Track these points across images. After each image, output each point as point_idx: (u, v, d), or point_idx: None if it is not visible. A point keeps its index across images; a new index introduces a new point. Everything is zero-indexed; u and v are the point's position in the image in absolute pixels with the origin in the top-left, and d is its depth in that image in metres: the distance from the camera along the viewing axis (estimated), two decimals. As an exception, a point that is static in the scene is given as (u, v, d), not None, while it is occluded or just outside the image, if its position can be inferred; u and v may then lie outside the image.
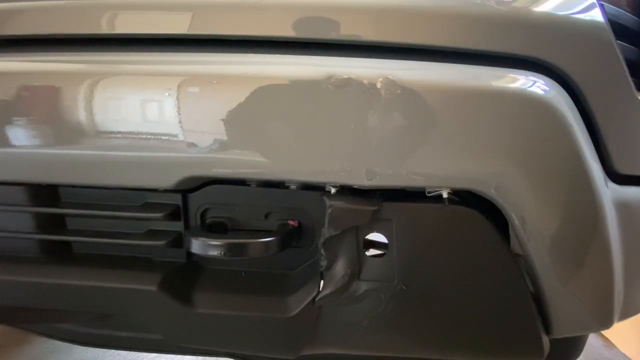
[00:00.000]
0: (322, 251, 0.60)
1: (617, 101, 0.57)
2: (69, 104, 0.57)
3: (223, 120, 0.54)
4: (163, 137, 0.56)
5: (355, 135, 0.53)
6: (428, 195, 0.59)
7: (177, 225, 0.66)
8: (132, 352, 1.45)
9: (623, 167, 0.59)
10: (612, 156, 0.58)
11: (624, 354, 1.63)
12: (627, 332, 1.62)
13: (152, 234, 0.66)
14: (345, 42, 0.56)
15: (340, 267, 0.61)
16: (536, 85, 0.53)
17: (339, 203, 0.58)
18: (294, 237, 0.65)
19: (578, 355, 0.81)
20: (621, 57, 0.56)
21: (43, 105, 0.58)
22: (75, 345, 0.82)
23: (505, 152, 0.53)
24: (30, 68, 0.58)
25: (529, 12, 0.54)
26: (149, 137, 0.56)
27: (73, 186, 0.65)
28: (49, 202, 0.66)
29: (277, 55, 0.56)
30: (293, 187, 0.63)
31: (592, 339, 1.71)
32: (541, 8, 0.54)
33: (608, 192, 0.57)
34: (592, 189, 0.54)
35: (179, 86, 0.55)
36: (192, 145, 0.55)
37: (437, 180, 0.55)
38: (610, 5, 0.59)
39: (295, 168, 0.55)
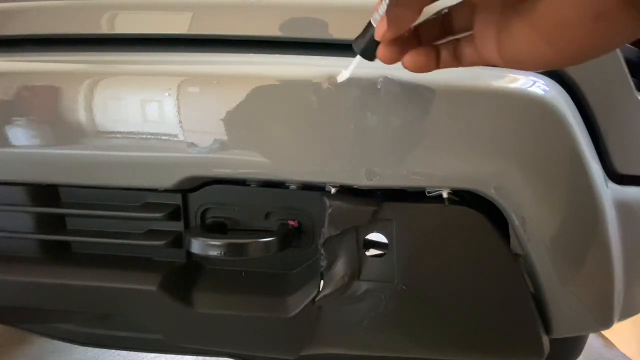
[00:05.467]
0: (322, 251, 0.60)
1: (617, 101, 0.57)
2: (69, 104, 0.57)
3: (223, 120, 0.54)
4: (163, 137, 0.56)
5: (355, 135, 0.53)
6: (428, 195, 0.59)
7: (177, 225, 0.66)
8: (132, 352, 1.45)
9: (623, 167, 0.59)
10: (612, 156, 0.58)
11: (624, 354, 1.63)
12: (627, 332, 1.62)
13: (152, 234, 0.66)
14: (346, 42, 0.56)
15: (340, 267, 0.61)
16: (536, 85, 0.53)
17: (339, 203, 0.58)
18: (294, 237, 0.65)
19: (578, 355, 0.81)
20: (621, 57, 0.56)
21: (43, 106, 0.58)
22: (75, 345, 0.82)
23: (505, 152, 0.53)
24: (30, 68, 0.58)
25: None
26: (149, 137, 0.56)
27: (73, 186, 0.65)
28: (49, 202, 0.66)
29: (277, 55, 0.56)
30: (293, 187, 0.63)
31: (592, 339, 1.71)
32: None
33: (608, 192, 0.57)
34: (592, 189, 0.54)
35: (179, 86, 0.55)
36: (192, 145, 0.55)
37: (437, 180, 0.55)
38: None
39: (295, 168, 0.55)
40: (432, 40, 0.42)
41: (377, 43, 0.41)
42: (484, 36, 0.36)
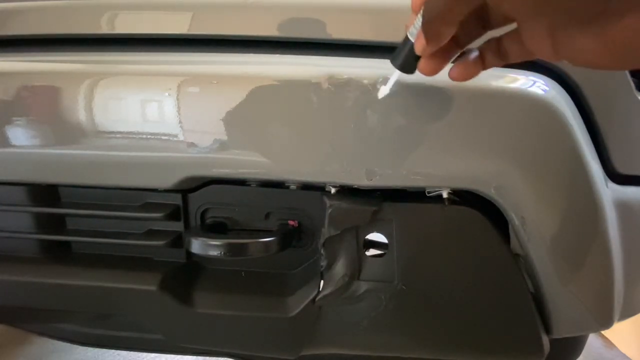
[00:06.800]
0: (322, 251, 0.60)
1: (617, 101, 0.57)
2: (69, 104, 0.57)
3: (223, 120, 0.54)
4: (163, 137, 0.56)
5: (355, 135, 0.53)
6: (428, 195, 0.59)
7: (177, 225, 0.66)
8: (132, 352, 1.45)
9: (623, 167, 0.59)
10: (612, 156, 0.58)
11: (624, 354, 1.63)
12: (627, 332, 1.62)
13: (152, 234, 0.66)
14: (345, 42, 0.56)
15: (340, 267, 0.61)
16: (536, 85, 0.53)
17: (339, 203, 0.58)
18: (294, 237, 0.65)
19: (578, 355, 0.81)
20: (621, 57, 0.56)
21: (43, 106, 0.58)
22: (75, 345, 0.82)
23: (505, 152, 0.53)
24: (30, 68, 0.58)
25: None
26: (149, 137, 0.56)
27: (73, 186, 0.65)
28: (49, 202, 0.66)
29: (277, 55, 0.56)
30: (293, 187, 0.63)
31: (592, 339, 1.71)
32: (541, 8, 0.53)
33: (608, 192, 0.57)
34: (592, 189, 0.54)
35: (179, 86, 0.55)
36: (192, 145, 0.55)
37: (437, 180, 0.55)
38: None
39: (295, 168, 0.55)
40: (471, 39, 0.40)
41: (417, 56, 0.40)
42: (534, 36, 0.33)
